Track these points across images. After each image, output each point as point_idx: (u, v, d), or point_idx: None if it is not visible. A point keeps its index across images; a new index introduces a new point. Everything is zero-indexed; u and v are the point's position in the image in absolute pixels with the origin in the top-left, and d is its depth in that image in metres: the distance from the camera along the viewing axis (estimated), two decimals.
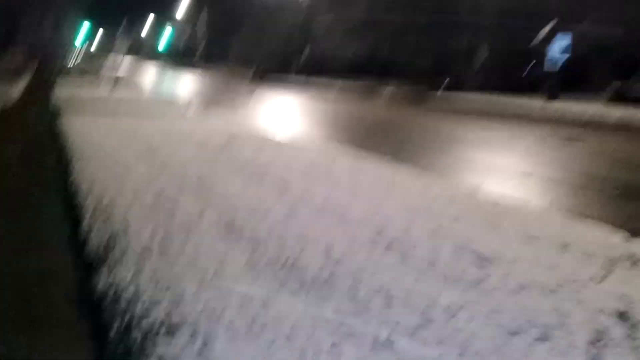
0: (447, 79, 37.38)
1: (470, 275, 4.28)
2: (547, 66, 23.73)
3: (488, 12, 41.25)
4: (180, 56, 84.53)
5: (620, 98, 24.50)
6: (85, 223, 5.61)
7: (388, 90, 34.32)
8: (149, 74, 51.17)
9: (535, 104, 22.35)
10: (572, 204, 6.99)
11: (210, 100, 24.96)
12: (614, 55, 28.89)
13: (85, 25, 71.78)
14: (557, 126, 16.65)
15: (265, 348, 3.04)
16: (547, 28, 23.42)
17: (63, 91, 23.71)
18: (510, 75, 35.29)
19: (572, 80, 26.84)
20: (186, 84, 40.05)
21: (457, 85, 35.37)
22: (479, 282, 4.17)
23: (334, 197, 6.62)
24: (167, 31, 79.57)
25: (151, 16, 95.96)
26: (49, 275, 4.56)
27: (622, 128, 17.29)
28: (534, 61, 37.91)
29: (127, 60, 52.26)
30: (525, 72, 35.16)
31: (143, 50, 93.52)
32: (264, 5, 52.06)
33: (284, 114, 20.17)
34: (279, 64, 51.75)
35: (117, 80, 30.73)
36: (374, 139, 13.20)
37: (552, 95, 23.38)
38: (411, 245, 4.95)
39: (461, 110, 22.46)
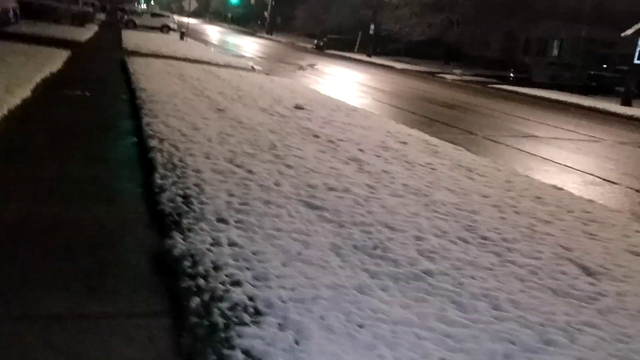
0: (513, 71, 36.02)
1: (580, 291, 3.77)
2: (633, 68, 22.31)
3: (565, 8, 39.62)
4: (247, 20, 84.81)
5: None
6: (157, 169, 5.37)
7: (453, 74, 33.22)
8: (216, 33, 51.18)
9: (610, 106, 21.24)
10: None
11: (277, 62, 24.97)
12: None
13: None
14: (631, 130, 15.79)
15: (367, 353, 2.62)
16: (631, 30, 22.04)
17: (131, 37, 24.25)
18: (581, 75, 33.81)
19: None
20: (253, 46, 39.74)
21: (526, 79, 34.04)
22: (593, 300, 3.66)
23: (417, 182, 6.18)
24: None
25: None
26: (124, 224, 4.29)
27: None
28: (606, 65, 36.39)
29: (193, 21, 52.34)
30: (599, 74, 33.60)
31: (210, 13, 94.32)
32: None
33: (349, 85, 19.67)
34: (342, 39, 51.11)
35: (183, 35, 30.54)
36: (428, 112, 12.79)
37: (626, 101, 22.21)
38: (506, 244, 4.49)
39: (531, 103, 21.53)
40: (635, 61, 21.99)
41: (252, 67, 20.60)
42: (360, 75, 25.81)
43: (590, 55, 38.23)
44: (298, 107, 10.33)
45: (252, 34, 67.86)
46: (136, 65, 13.82)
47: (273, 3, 70.20)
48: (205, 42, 35.44)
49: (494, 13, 42.63)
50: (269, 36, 65.37)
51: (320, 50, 48.73)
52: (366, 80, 23.78)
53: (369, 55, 43.36)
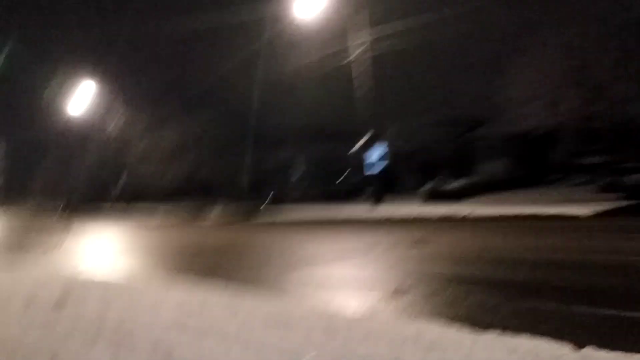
0: (271, 193, 37.85)
1: None
2: (367, 172, 24.97)
3: (302, 126, 43.64)
4: None
5: (432, 196, 26.51)
6: None
7: (213, 210, 33.39)
8: None
9: (360, 210, 23.14)
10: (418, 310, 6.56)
11: (16, 244, 21.88)
12: (418, 160, 32.00)
13: None
14: (384, 229, 17.10)
15: None
16: (363, 139, 24.85)
17: None
18: (329, 184, 37.01)
19: (390, 184, 28.76)
20: None
21: (281, 199, 35.90)
22: None
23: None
24: None
25: None
26: None
27: (446, 220, 18.39)
28: (350, 170, 40.49)
29: None
30: (343, 180, 37.11)
31: None
32: (70, 133, 49.17)
33: (110, 249, 18.14)
34: (92, 195, 48.62)
35: None
36: (211, 264, 12.23)
37: (377, 199, 24.44)
38: None
39: (290, 223, 22.37)
40: (366, 173, 24.58)
41: None
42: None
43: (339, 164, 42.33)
44: None
45: None
46: None
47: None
48: None
49: (236, 147, 44.79)
50: None
51: (70, 212, 45.52)
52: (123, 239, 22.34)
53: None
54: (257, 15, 30.76)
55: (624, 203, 17.44)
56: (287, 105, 51.78)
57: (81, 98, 42.28)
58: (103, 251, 18.85)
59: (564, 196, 21.82)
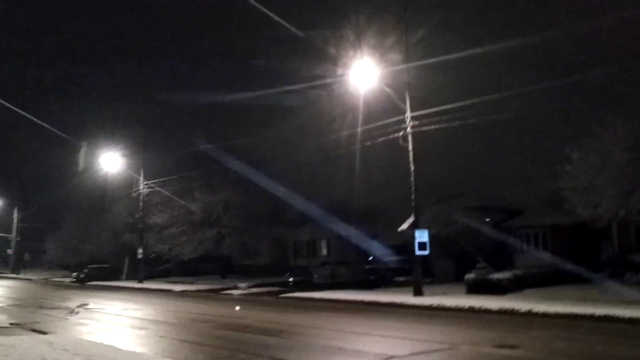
0: (290, 275, 36.19)
1: None
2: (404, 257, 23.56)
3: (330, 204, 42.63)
4: None
5: (476, 286, 24.93)
6: None
7: (238, 288, 31.72)
8: None
9: (406, 299, 21.70)
10: None
11: (37, 308, 20.18)
12: (455, 246, 30.68)
13: None
14: (439, 318, 15.70)
15: None
16: (407, 222, 23.57)
17: None
18: (357, 270, 35.44)
19: (428, 269, 27.27)
20: None
21: (306, 282, 34.26)
22: None
23: None
24: None
25: None
26: None
27: (505, 314, 16.95)
28: (372, 257, 39.05)
29: None
30: (375, 268, 35.50)
31: None
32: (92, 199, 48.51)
33: (133, 324, 16.65)
34: (105, 268, 47.25)
35: None
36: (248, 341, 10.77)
37: (418, 285, 23.00)
38: None
39: (333, 309, 20.82)
40: (417, 253, 23.07)
41: (13, 325, 16.41)
42: (141, 307, 22.74)
43: (356, 250, 40.73)
44: None
45: None
46: None
47: (18, 238, 63.66)
48: None
49: (260, 222, 43.74)
50: (16, 275, 57.94)
51: (81, 283, 43.94)
52: (149, 313, 20.84)
53: (141, 281, 40.06)
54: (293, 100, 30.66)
55: None
56: (314, 183, 51.18)
57: (106, 167, 41.84)
58: (122, 320, 17.39)
59: (620, 294, 20.13)
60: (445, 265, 31.99)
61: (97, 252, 51.54)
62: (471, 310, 18.89)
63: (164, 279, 41.97)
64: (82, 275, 45.87)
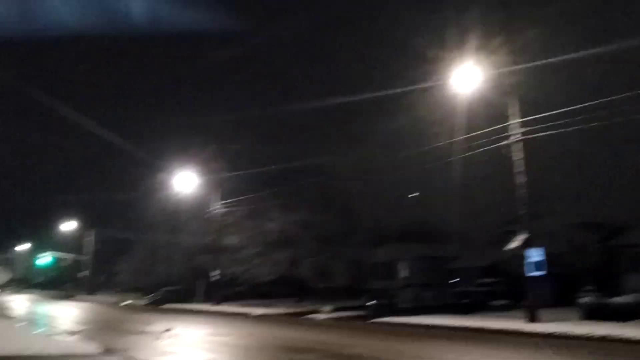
0: (370, 298, 34.14)
1: None
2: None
3: (409, 224, 40.65)
4: (59, 283, 76.59)
5: (594, 310, 22.41)
6: None
7: (321, 312, 30.04)
8: (25, 303, 42.97)
9: (521, 326, 19.39)
10: None
11: (121, 332, 19.10)
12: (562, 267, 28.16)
13: None
14: (570, 350, 13.41)
15: None
16: (518, 239, 21.36)
17: None
18: (443, 293, 33.12)
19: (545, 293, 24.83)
20: (76, 312, 32.96)
21: (389, 305, 32.16)
22: None
23: None
24: (46, 259, 72.13)
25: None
26: None
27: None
28: (458, 279, 36.60)
29: None
30: (468, 290, 33.10)
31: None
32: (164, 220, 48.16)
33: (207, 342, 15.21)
34: (178, 290, 46.63)
35: None
36: None
37: (533, 310, 20.65)
38: None
39: (439, 336, 18.82)
40: (529, 274, 20.82)
41: (107, 351, 15.26)
42: (229, 333, 21.33)
43: (439, 272, 38.42)
44: None
45: (69, 297, 60.14)
46: None
47: (94, 261, 64.44)
48: (14, 319, 28.73)
49: (335, 243, 42.16)
50: (91, 297, 58.34)
51: (155, 306, 43.32)
52: (240, 339, 19.36)
53: (217, 304, 39.00)
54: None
55: None
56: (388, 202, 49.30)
57: (179, 187, 41.32)
58: (215, 347, 15.96)
59: None
60: (542, 287, 29.42)
61: (169, 274, 51.17)
62: (605, 339, 16.59)
63: (238, 301, 40.77)
64: (158, 298, 45.36)
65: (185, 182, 40.50)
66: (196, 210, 43.35)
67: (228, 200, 39.49)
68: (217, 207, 40.19)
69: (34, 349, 14.80)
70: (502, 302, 28.46)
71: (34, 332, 21.09)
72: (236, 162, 40.71)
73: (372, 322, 25.44)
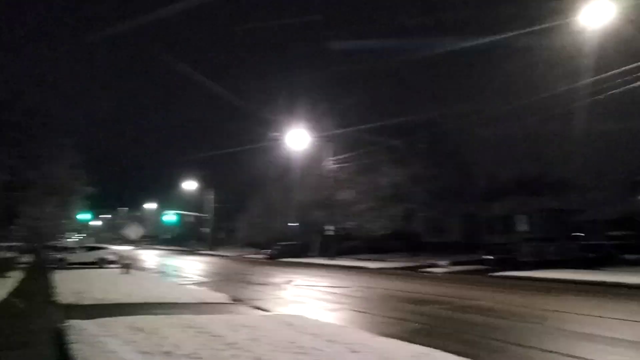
0: (489, 253, 33.05)
1: None
2: None
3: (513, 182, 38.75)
4: (183, 239, 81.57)
5: None
6: None
7: (440, 266, 29.66)
8: (155, 258, 46.41)
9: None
10: None
11: (246, 283, 20.04)
12: None
13: (86, 215, 69.50)
14: None
15: None
16: None
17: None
18: (568, 248, 31.46)
19: None
20: (201, 266, 35.00)
21: (509, 259, 31.06)
22: None
23: None
24: (171, 217, 76.98)
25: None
26: None
27: None
28: (583, 233, 34.60)
29: (128, 248, 48.01)
30: (596, 244, 31.27)
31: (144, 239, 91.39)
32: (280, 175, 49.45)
33: (359, 304, 15.41)
34: (293, 245, 47.97)
35: (128, 267, 26.54)
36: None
37: None
38: None
39: (575, 290, 17.94)
40: None
41: (235, 301, 16.02)
42: (349, 285, 21.61)
43: (562, 225, 36.52)
44: None
45: (193, 252, 64.01)
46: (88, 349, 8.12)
47: (214, 217, 67.76)
48: (149, 271, 30.96)
49: (448, 198, 41.28)
50: (212, 252, 61.65)
51: (273, 260, 44.97)
52: (361, 291, 19.52)
53: (332, 258, 39.77)
54: None
55: None
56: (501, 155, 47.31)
57: (295, 144, 41.89)
58: (339, 298, 16.19)
59: None
60: None
61: (284, 229, 52.78)
62: None
63: (352, 256, 41.32)
64: (275, 252, 47.05)
65: (298, 139, 41.08)
66: (309, 166, 43.98)
67: (341, 156, 39.69)
68: (330, 162, 40.55)
69: (169, 297, 15.81)
70: (637, 256, 26.64)
71: (167, 282, 22.58)
72: (349, 117, 40.61)
73: (493, 276, 24.79)
